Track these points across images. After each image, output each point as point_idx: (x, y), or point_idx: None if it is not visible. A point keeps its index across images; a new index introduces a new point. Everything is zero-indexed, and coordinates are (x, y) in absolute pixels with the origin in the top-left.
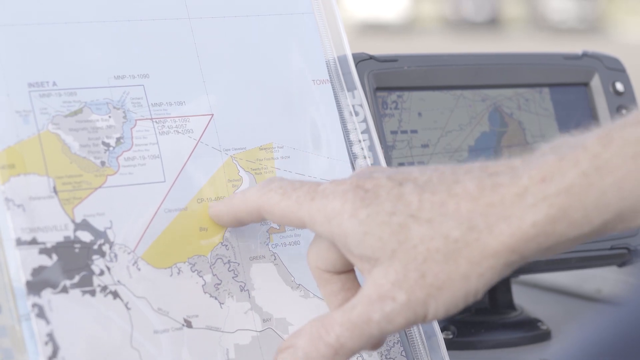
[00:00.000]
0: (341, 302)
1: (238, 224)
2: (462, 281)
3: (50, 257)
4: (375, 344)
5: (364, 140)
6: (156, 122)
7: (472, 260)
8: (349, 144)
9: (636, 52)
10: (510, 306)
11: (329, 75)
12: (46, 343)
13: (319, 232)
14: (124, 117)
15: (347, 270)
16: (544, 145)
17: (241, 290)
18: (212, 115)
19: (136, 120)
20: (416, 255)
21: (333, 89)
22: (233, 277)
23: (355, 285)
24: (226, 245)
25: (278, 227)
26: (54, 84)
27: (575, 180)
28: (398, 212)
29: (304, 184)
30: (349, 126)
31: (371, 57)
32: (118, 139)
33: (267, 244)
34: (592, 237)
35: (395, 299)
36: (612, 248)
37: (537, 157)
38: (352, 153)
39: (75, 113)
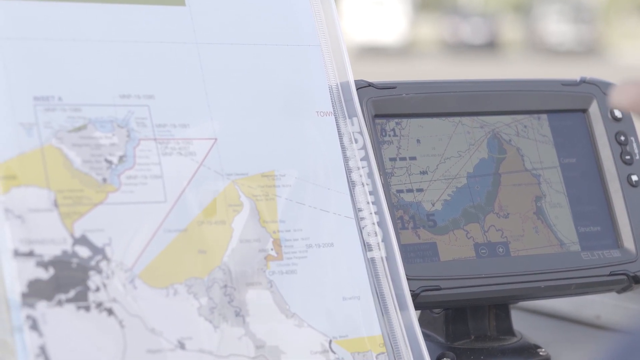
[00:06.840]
0: None
1: None
2: None
3: (46, 270)
4: None
5: (362, 168)
6: (159, 142)
7: None
8: (348, 170)
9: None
10: (510, 332)
11: (332, 102)
12: (37, 356)
13: None
14: (128, 135)
15: None
16: None
17: (236, 316)
18: (216, 139)
19: (140, 139)
20: None
21: (334, 116)
22: (228, 302)
23: None
24: (224, 270)
25: (275, 255)
26: (60, 99)
27: None
28: None
29: None
30: (348, 153)
31: (370, 85)
32: (121, 157)
33: (264, 271)
34: None
35: None
36: (611, 274)
37: None
38: (351, 180)
39: (79, 129)
